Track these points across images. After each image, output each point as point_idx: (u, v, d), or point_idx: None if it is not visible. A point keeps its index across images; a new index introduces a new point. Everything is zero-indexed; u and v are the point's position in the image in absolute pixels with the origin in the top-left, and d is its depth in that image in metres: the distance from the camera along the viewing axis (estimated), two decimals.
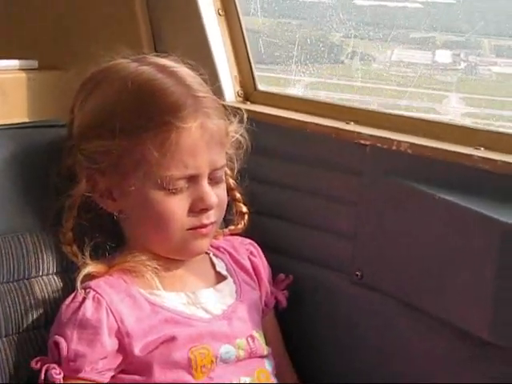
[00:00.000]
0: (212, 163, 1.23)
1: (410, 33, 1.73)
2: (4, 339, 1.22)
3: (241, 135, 1.33)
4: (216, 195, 1.23)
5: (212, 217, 1.24)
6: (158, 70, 1.24)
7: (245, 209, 1.39)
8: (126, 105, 1.22)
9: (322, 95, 1.86)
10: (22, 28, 1.85)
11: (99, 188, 1.24)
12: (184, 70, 1.27)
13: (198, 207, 1.22)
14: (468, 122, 1.74)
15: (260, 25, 1.71)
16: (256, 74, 1.60)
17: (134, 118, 1.20)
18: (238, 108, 1.42)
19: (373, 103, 1.77)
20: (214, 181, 1.24)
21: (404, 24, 1.73)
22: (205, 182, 1.22)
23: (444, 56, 1.77)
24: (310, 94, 1.80)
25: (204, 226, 1.24)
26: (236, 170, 1.36)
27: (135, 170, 1.21)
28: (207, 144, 1.22)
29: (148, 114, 1.20)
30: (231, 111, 1.34)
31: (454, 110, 1.78)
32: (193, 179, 1.21)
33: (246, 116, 1.33)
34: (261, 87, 1.60)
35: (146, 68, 1.25)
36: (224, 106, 1.33)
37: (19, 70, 1.75)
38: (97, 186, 1.24)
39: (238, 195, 1.39)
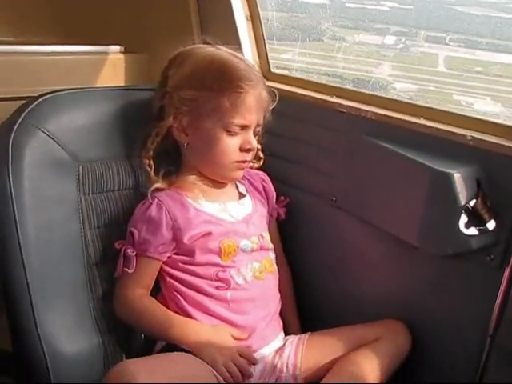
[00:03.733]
0: (258, 120, 1.26)
1: (374, 25, 1.72)
2: (97, 230, 1.27)
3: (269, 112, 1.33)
4: (255, 142, 1.27)
5: (250, 156, 1.28)
6: (230, 54, 1.27)
7: (261, 154, 1.39)
8: (213, 70, 1.24)
9: (310, 60, 1.86)
10: (106, 17, 1.81)
11: (179, 124, 1.25)
12: (246, 58, 1.31)
13: (245, 147, 1.25)
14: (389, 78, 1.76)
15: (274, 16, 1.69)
16: (270, 56, 1.58)
17: (217, 78, 1.22)
18: None
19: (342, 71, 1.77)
20: (254, 133, 1.27)
21: (373, 19, 1.72)
22: (251, 132, 1.26)
23: (390, 40, 1.75)
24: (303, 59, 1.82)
25: (245, 161, 1.27)
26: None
27: (210, 114, 1.22)
28: (259, 107, 1.26)
29: (228, 78, 1.22)
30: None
31: (384, 71, 1.78)
32: (245, 128, 1.24)
33: (277, 98, 1.33)
34: (273, 70, 1.59)
35: (222, 51, 1.28)
36: None
37: (106, 53, 1.70)
38: (179, 123, 1.25)
39: (259, 146, 1.38)
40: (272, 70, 1.58)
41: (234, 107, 1.21)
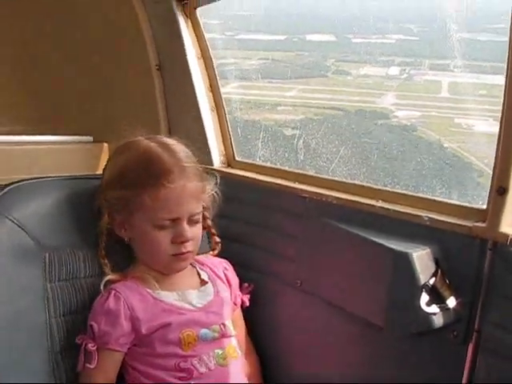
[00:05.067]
0: (190, 211, 1.25)
1: (379, 57, 1.75)
2: (63, 318, 1.25)
3: (215, 192, 1.33)
4: (192, 232, 1.26)
5: (189, 247, 1.26)
6: (160, 146, 1.28)
7: (218, 239, 1.41)
8: (135, 168, 1.26)
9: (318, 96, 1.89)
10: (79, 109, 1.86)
11: (116, 221, 1.28)
12: (179, 147, 1.30)
13: (177, 240, 1.25)
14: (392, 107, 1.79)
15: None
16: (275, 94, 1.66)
17: (138, 177, 1.24)
18: (222, 171, 1.46)
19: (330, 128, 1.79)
20: (192, 222, 1.26)
21: (377, 52, 1.74)
22: (184, 223, 1.25)
23: (394, 71, 1.79)
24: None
25: (182, 253, 1.26)
26: (212, 215, 1.37)
27: (137, 211, 1.24)
28: (186, 199, 1.25)
29: (147, 175, 1.23)
30: (213, 175, 1.36)
31: (387, 101, 1.82)
32: (175, 220, 1.24)
33: (218, 179, 1.35)
34: (238, 158, 1.63)
35: (153, 144, 1.28)
36: (209, 170, 1.37)
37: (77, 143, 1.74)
38: (114, 220, 1.28)
39: (213, 231, 1.40)
40: (237, 158, 1.63)
41: (156, 203, 1.22)
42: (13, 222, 1.22)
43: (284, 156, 1.75)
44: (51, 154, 1.67)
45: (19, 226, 1.22)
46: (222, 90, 1.62)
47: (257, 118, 1.94)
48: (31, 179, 1.31)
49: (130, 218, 1.25)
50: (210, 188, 1.33)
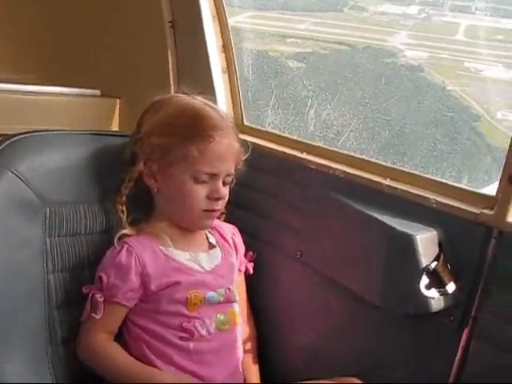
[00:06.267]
0: (228, 170, 1.26)
1: None
2: (60, 273, 1.25)
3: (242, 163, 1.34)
4: (224, 191, 1.27)
5: (220, 205, 1.27)
6: (204, 103, 1.28)
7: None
8: (184, 118, 1.25)
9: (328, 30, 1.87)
10: (86, 61, 1.83)
11: (150, 170, 1.26)
12: (220, 108, 1.32)
13: (213, 195, 1.25)
14: (402, 47, 1.77)
15: None
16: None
17: (188, 126, 1.23)
18: None
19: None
20: (224, 182, 1.27)
21: None
22: (220, 180, 1.25)
23: (413, 10, 1.76)
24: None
25: (214, 210, 1.27)
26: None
27: (179, 162, 1.23)
28: (229, 156, 1.26)
29: (198, 126, 1.23)
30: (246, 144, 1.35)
31: (398, 40, 1.79)
32: (213, 176, 1.24)
33: (250, 148, 1.34)
34: (246, 123, 1.61)
35: (196, 101, 1.29)
36: None
37: (83, 96, 1.72)
38: (149, 169, 1.26)
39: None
40: (245, 123, 1.61)
41: (202, 155, 1.22)
42: (15, 174, 1.20)
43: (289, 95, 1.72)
44: (58, 105, 1.64)
45: (21, 179, 1.20)
46: (233, 18, 1.58)
47: (264, 48, 1.90)
48: (35, 132, 1.29)
49: (168, 168, 1.24)
50: (243, 155, 1.33)
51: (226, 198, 1.29)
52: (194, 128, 1.23)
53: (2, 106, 1.54)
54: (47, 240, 1.24)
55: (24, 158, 1.23)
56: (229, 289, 1.30)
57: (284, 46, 1.99)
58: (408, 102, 1.66)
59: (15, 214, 1.19)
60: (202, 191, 1.24)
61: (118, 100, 1.73)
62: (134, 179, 1.28)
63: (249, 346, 1.39)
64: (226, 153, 1.25)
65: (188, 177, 1.23)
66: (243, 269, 1.42)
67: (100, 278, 1.21)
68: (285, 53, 1.96)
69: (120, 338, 1.26)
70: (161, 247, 1.26)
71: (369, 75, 1.76)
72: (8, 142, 1.22)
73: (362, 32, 1.82)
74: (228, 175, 1.27)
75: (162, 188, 1.28)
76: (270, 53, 1.92)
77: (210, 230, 1.36)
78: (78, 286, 1.23)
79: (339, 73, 1.74)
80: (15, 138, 1.24)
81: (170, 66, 1.65)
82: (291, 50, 1.99)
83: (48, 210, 1.24)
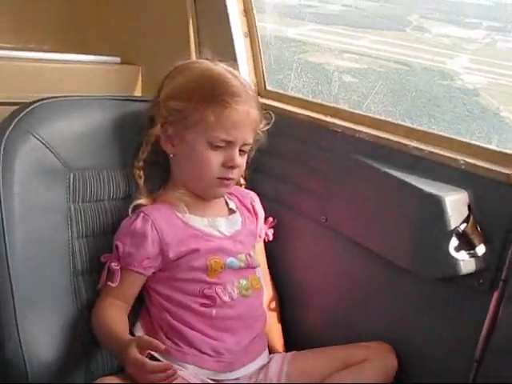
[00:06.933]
0: (244, 139, 1.24)
1: (468, 18, 1.71)
2: (85, 239, 1.25)
3: (263, 131, 1.32)
4: (240, 160, 1.25)
5: (235, 174, 1.25)
6: (225, 70, 1.26)
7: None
8: (202, 82, 1.24)
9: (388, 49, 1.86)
10: (104, 28, 1.81)
11: (166, 134, 1.25)
12: (241, 75, 1.30)
13: (227, 163, 1.23)
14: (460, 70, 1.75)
15: None
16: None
17: (205, 91, 1.22)
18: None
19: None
20: (241, 151, 1.25)
21: (467, 12, 1.70)
22: (236, 149, 1.23)
23: (478, 33, 1.74)
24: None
25: (228, 178, 1.25)
26: (252, 153, 1.34)
27: (194, 126, 1.21)
28: (246, 125, 1.23)
29: (215, 91, 1.21)
30: (268, 114, 1.33)
31: (458, 63, 1.78)
32: (229, 144, 1.22)
33: (272, 120, 1.33)
34: (268, 87, 1.58)
35: (218, 67, 1.27)
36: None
37: (103, 63, 1.70)
38: (165, 132, 1.25)
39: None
40: (268, 88, 1.58)
41: (218, 121, 1.20)
42: (38, 139, 1.19)
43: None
44: (77, 72, 1.63)
45: (45, 144, 1.20)
46: (296, 30, 1.56)
47: (319, 61, 1.91)
48: (58, 97, 1.27)
49: (184, 133, 1.23)
50: (264, 124, 1.32)
51: (243, 168, 1.28)
52: (211, 92, 1.21)
53: (20, 74, 1.53)
54: (71, 206, 1.24)
55: (47, 123, 1.22)
56: (249, 255, 1.29)
57: (340, 61, 1.99)
58: (457, 125, 1.64)
59: (39, 180, 1.19)
60: (216, 158, 1.22)
61: (140, 67, 1.72)
62: (150, 143, 1.27)
63: (271, 310, 1.39)
64: (243, 121, 1.23)
65: (203, 142, 1.22)
66: (263, 235, 1.41)
67: (116, 246, 1.20)
68: (340, 67, 1.95)
69: (142, 306, 1.26)
70: (178, 214, 1.25)
71: (421, 95, 1.74)
72: (31, 107, 1.21)
73: (422, 53, 1.82)
74: (245, 144, 1.25)
75: (178, 153, 1.27)
76: (325, 66, 1.91)
77: (229, 196, 1.35)
78: (101, 253, 1.23)
79: (393, 91, 1.72)
80: (37, 104, 1.23)
81: (191, 31, 1.61)
82: (347, 64, 1.99)
83: (72, 175, 1.24)
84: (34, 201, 1.18)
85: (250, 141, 1.27)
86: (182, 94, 1.23)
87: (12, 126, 1.17)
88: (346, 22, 1.95)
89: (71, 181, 1.23)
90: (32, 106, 1.22)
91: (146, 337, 1.09)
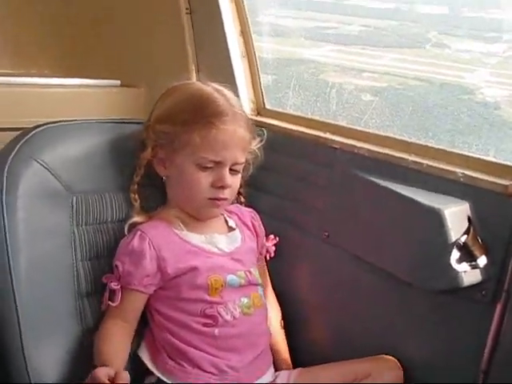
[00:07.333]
0: (234, 158, 1.24)
1: (487, 33, 1.71)
2: (89, 262, 1.25)
3: (258, 149, 1.32)
4: (231, 180, 1.24)
5: (226, 194, 1.25)
6: (214, 90, 1.26)
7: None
8: (189, 106, 1.24)
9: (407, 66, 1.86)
10: (104, 52, 1.83)
11: (158, 156, 1.26)
12: (231, 95, 1.29)
13: (217, 184, 1.23)
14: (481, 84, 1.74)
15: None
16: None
17: (190, 114, 1.22)
18: (252, 119, 1.40)
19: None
20: (233, 171, 1.25)
21: (486, 27, 1.71)
22: (226, 169, 1.23)
23: (498, 47, 1.73)
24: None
25: (219, 199, 1.24)
26: (249, 172, 1.34)
27: (182, 149, 1.22)
28: (234, 144, 1.23)
29: (200, 114, 1.22)
30: (261, 132, 1.35)
31: (478, 77, 1.78)
32: (219, 164, 1.22)
33: (265, 137, 1.34)
34: (268, 106, 1.59)
35: (207, 87, 1.28)
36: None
37: (104, 87, 1.71)
38: (156, 155, 1.26)
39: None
40: (267, 107, 1.59)
41: (204, 142, 1.21)
42: (41, 164, 1.20)
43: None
44: (78, 97, 1.64)
45: (47, 169, 1.21)
46: (316, 51, 1.58)
47: (339, 81, 1.92)
48: (59, 122, 1.29)
49: (174, 155, 1.24)
50: (256, 142, 1.32)
51: (235, 187, 1.28)
52: (196, 114, 1.22)
53: (22, 99, 1.54)
54: (75, 229, 1.24)
55: (48, 147, 1.23)
56: (249, 271, 1.28)
57: (360, 80, 2.00)
58: (480, 139, 1.63)
59: (43, 204, 1.20)
60: (206, 179, 1.23)
61: (140, 89, 1.73)
62: (143, 166, 1.27)
63: (275, 327, 1.39)
64: (231, 140, 1.22)
65: (191, 164, 1.22)
66: (264, 252, 1.41)
67: (116, 266, 1.20)
68: (359, 86, 1.97)
69: (146, 327, 1.26)
70: (175, 230, 1.25)
71: (442, 111, 1.75)
72: (32, 132, 1.23)
73: (442, 69, 1.82)
74: (236, 163, 1.25)
75: (170, 175, 1.28)
76: (344, 86, 1.92)
77: (229, 214, 1.35)
78: (106, 274, 1.23)
79: (414, 108, 1.73)
80: (39, 129, 1.24)
81: (189, 52, 1.63)
82: (366, 83, 2.00)
83: (75, 198, 1.25)
84: (37, 225, 1.19)
85: (242, 160, 1.26)
86: (169, 117, 1.24)
87: (14, 152, 1.18)
88: (365, 41, 1.97)
89: (74, 204, 1.24)
90: (33, 132, 1.23)
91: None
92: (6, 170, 1.16)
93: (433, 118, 1.69)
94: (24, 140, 1.21)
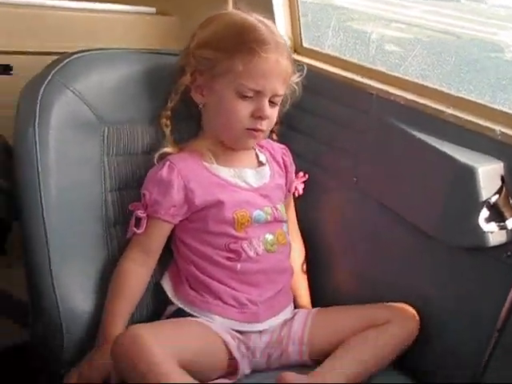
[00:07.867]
0: (274, 89, 1.22)
1: None
2: (118, 192, 1.26)
3: (297, 84, 1.30)
4: (270, 111, 1.23)
5: (264, 125, 1.23)
6: (257, 20, 1.24)
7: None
8: (232, 33, 1.22)
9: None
10: None
11: (196, 83, 1.25)
12: (273, 25, 1.27)
13: (256, 114, 1.21)
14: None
15: None
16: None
17: (234, 40, 1.20)
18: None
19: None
20: (272, 103, 1.23)
21: None
22: (265, 99, 1.21)
23: None
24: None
25: (257, 129, 1.23)
26: (286, 108, 1.32)
27: (223, 76, 1.21)
28: (275, 74, 1.21)
29: (244, 40, 1.19)
30: (301, 66, 1.31)
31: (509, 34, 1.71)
32: (258, 94, 1.20)
33: (305, 72, 1.30)
34: (305, 44, 1.55)
35: (250, 17, 1.24)
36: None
37: (138, 14, 1.67)
38: (195, 81, 1.25)
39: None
40: (304, 45, 1.55)
41: (246, 70, 1.19)
42: (74, 93, 1.19)
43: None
44: (112, 23, 1.60)
45: (80, 98, 1.20)
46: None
47: (368, 29, 1.86)
48: (94, 50, 1.27)
49: (213, 82, 1.22)
50: (296, 76, 1.30)
51: (273, 119, 1.26)
52: (239, 41, 1.20)
53: (54, 23, 1.50)
54: (105, 159, 1.25)
55: (83, 76, 1.22)
56: (276, 208, 1.28)
57: (387, 30, 1.94)
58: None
59: (74, 132, 1.20)
60: (245, 108, 1.21)
61: (175, 18, 1.68)
62: (180, 92, 1.26)
63: (297, 265, 1.39)
64: (272, 70, 1.20)
65: (232, 91, 1.20)
66: (292, 189, 1.41)
67: (143, 195, 1.21)
68: (385, 36, 1.90)
69: (171, 257, 1.28)
70: (204, 163, 1.25)
71: (469, 67, 1.69)
72: (66, 60, 1.21)
73: (474, 24, 1.77)
74: (276, 95, 1.23)
75: (208, 103, 1.26)
76: (372, 35, 1.86)
77: (260, 149, 1.34)
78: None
79: (438, 61, 1.67)
80: (73, 57, 1.22)
81: None
82: (393, 34, 1.94)
83: (106, 129, 1.24)
84: (68, 154, 1.19)
85: (281, 92, 1.24)
86: (211, 43, 1.22)
87: (48, 80, 1.17)
88: None
89: (105, 134, 1.24)
90: (68, 59, 1.21)
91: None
92: (39, 97, 1.15)
93: (474, 72, 1.64)
94: (58, 68, 1.19)
